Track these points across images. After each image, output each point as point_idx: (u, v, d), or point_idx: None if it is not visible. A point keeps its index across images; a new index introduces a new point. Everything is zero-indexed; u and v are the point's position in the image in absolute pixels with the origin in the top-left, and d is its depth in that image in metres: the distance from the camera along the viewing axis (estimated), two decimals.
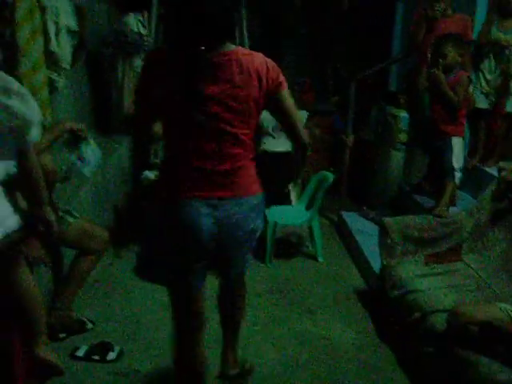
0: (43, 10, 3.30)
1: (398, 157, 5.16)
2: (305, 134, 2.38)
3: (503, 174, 3.44)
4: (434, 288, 3.11)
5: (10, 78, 2.20)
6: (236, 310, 2.72)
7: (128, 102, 4.94)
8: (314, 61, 7.10)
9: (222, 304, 2.71)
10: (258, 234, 2.41)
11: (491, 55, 4.68)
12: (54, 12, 3.40)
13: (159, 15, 5.38)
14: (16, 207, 2.35)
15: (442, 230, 3.57)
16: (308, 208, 4.58)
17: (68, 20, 3.60)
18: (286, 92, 2.29)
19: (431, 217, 3.68)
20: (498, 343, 2.53)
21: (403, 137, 5.10)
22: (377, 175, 5.41)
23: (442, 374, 2.72)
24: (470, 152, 4.91)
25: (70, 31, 3.65)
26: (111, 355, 3.09)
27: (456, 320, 2.62)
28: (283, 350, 3.24)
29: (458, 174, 4.04)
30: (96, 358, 3.06)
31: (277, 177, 4.69)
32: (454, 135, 4.03)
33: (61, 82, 3.61)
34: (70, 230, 3.11)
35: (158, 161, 4.80)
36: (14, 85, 2.17)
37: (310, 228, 4.45)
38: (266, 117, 5.00)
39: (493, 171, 4.58)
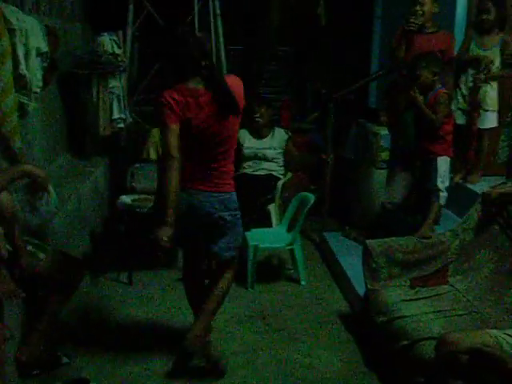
0: (11, 31, 3.17)
1: (379, 175, 5.08)
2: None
3: (488, 191, 3.37)
4: (421, 313, 3.02)
5: None
6: (211, 295, 3.17)
7: (103, 123, 4.83)
8: (291, 79, 7.04)
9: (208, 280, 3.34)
10: (228, 225, 3.06)
11: (469, 71, 4.65)
12: (24, 34, 3.27)
13: (134, 35, 5.28)
14: None
15: (427, 252, 3.49)
16: (289, 230, 4.47)
17: (38, 41, 3.49)
18: None
19: (416, 238, 3.59)
20: (489, 371, 2.44)
21: (385, 155, 5.02)
22: (359, 194, 5.33)
23: None
24: (453, 169, 4.85)
25: (40, 53, 3.54)
26: None
27: (445, 349, 2.52)
28: (266, 381, 3.12)
29: (443, 194, 3.96)
30: None
31: (256, 199, 4.61)
32: (440, 155, 3.96)
33: (31, 105, 3.48)
34: (42, 264, 2.97)
35: (134, 184, 4.68)
36: None
37: (292, 250, 4.34)
38: (247, 142, 5.01)
39: (476, 188, 4.53)
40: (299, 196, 4.49)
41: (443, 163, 3.96)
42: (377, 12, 6.97)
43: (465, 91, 4.71)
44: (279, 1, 6.20)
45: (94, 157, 5.03)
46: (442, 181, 3.95)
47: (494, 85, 4.65)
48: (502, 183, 3.64)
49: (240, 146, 4.95)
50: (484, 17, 4.55)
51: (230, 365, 3.22)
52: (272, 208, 4.79)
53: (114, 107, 4.83)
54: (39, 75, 3.51)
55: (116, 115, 4.86)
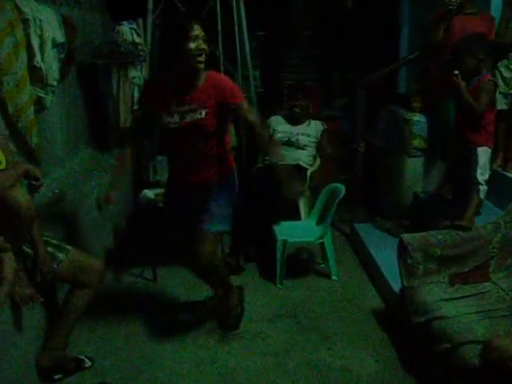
0: (25, 22, 3.03)
1: (412, 163, 4.87)
2: None
3: None
4: (463, 314, 2.82)
5: None
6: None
7: (124, 114, 4.69)
8: (317, 65, 6.82)
9: None
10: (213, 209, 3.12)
11: (510, 54, 4.38)
12: (38, 24, 3.13)
13: (154, 23, 5.11)
14: None
15: (466, 247, 3.28)
16: (319, 223, 4.29)
17: (54, 32, 3.36)
18: None
19: (454, 232, 3.36)
20: None
21: (417, 142, 4.79)
22: (390, 183, 5.11)
23: None
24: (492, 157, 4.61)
25: (56, 44, 3.40)
26: None
27: (492, 355, 2.34)
28: None
29: (482, 187, 3.69)
30: None
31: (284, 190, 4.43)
32: (481, 145, 3.71)
33: (48, 99, 3.35)
34: (62, 266, 2.84)
35: (158, 178, 4.54)
36: None
37: (322, 244, 4.16)
38: (277, 129, 4.87)
39: None
40: (329, 188, 4.30)
41: (483, 154, 3.69)
42: None
43: (506, 74, 4.44)
44: None
45: (116, 150, 4.89)
46: (482, 173, 3.67)
47: None
48: None
49: (272, 131, 4.91)
50: None
51: (258, 367, 3.08)
52: (301, 200, 4.61)
53: (135, 98, 4.68)
54: (55, 67, 3.38)
55: (137, 106, 4.70)
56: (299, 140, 4.86)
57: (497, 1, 4.67)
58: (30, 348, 2.85)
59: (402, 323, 3.26)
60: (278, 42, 6.78)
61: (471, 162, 3.69)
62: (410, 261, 3.23)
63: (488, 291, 3.06)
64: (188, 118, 2.98)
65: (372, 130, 5.47)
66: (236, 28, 5.25)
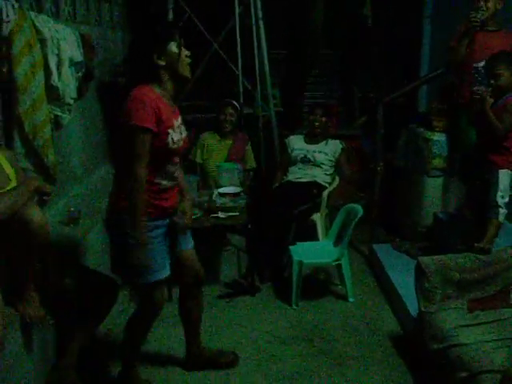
0: (43, 42, 3.05)
1: (431, 183, 4.80)
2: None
3: None
4: (481, 342, 2.75)
5: None
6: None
7: None
8: (337, 83, 6.79)
9: None
10: None
11: None
12: (55, 44, 3.15)
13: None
14: None
15: (486, 271, 3.21)
16: (336, 244, 4.23)
17: (72, 51, 3.37)
18: None
19: (474, 255, 3.29)
20: None
21: (437, 162, 4.73)
22: (409, 203, 5.05)
23: None
24: None
25: (74, 63, 3.42)
26: None
27: None
28: None
29: (502, 211, 3.60)
30: None
31: (296, 207, 4.40)
32: (502, 168, 3.63)
33: (65, 117, 3.36)
34: (72, 288, 2.83)
35: None
36: None
37: (339, 265, 4.10)
38: (294, 147, 4.87)
39: None
40: (346, 208, 4.25)
41: (505, 177, 3.60)
42: (426, 11, 6.63)
43: None
44: (323, 2, 5.93)
45: None
46: (503, 196, 3.58)
47: None
48: None
49: (290, 150, 4.97)
50: None
51: None
52: (318, 219, 4.56)
53: None
54: (73, 86, 3.38)
55: None
56: (315, 157, 4.85)
57: None
58: (38, 367, 2.83)
59: (419, 349, 3.19)
60: (298, 60, 6.76)
61: (492, 183, 3.61)
62: (427, 285, 3.17)
63: (508, 318, 2.97)
64: (183, 135, 2.78)
65: (392, 150, 5.41)
66: (255, 47, 5.25)
